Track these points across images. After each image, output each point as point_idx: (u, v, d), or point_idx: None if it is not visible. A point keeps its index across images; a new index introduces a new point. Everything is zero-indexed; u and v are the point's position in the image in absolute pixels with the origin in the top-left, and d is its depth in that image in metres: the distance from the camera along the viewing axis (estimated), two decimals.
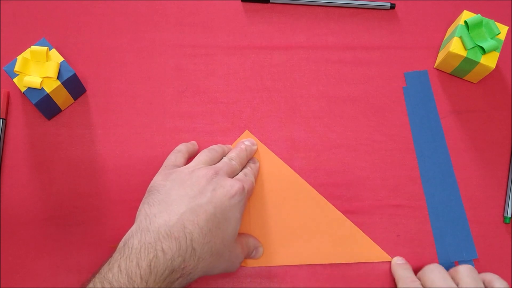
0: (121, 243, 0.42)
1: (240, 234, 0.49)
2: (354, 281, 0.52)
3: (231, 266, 0.47)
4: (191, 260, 0.42)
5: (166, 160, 0.50)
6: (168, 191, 0.45)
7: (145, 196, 0.46)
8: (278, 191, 0.54)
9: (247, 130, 0.56)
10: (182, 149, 0.52)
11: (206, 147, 0.55)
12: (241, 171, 0.51)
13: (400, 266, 0.52)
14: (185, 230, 0.42)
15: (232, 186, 0.45)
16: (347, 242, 0.53)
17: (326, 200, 0.54)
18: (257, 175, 0.53)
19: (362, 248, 0.51)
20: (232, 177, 0.48)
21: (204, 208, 0.43)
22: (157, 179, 0.47)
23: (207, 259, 0.43)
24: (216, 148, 0.52)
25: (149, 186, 0.47)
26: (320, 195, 0.54)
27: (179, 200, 0.43)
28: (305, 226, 0.53)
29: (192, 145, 0.54)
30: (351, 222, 0.53)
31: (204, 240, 0.42)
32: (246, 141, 0.54)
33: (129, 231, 0.43)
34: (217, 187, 0.45)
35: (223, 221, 0.44)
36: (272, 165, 0.55)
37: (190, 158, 0.52)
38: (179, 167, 0.48)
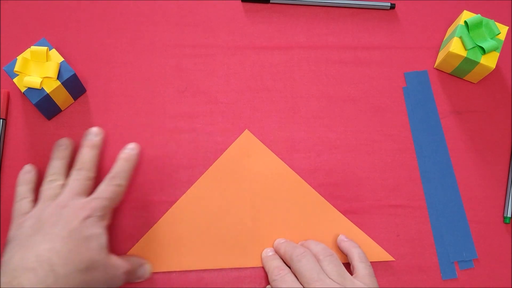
0: None
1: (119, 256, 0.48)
2: None
3: (112, 278, 0.45)
4: (58, 283, 0.40)
5: (14, 211, 0.48)
6: (22, 238, 0.43)
7: (4, 249, 0.44)
8: (278, 191, 0.54)
9: (246, 130, 0.56)
10: (24, 191, 0.50)
11: (206, 147, 0.55)
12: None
13: (268, 258, 0.51)
14: (42, 258, 0.40)
15: (81, 210, 0.44)
16: None
17: (325, 200, 0.54)
18: (131, 169, 0.51)
19: (363, 248, 0.51)
20: (87, 195, 0.47)
21: (57, 234, 0.42)
22: (10, 231, 0.46)
23: (77, 276, 0.41)
24: (55, 172, 0.50)
25: (6, 240, 0.46)
26: (319, 195, 0.54)
27: (33, 240, 0.42)
28: (305, 226, 0.53)
29: (28, 173, 0.51)
30: (351, 222, 0.53)
31: (66, 261, 0.41)
32: (127, 149, 0.52)
33: None
34: (67, 215, 0.44)
35: (82, 240, 0.43)
36: (272, 165, 0.55)
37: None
38: (28, 213, 0.47)
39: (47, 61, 0.52)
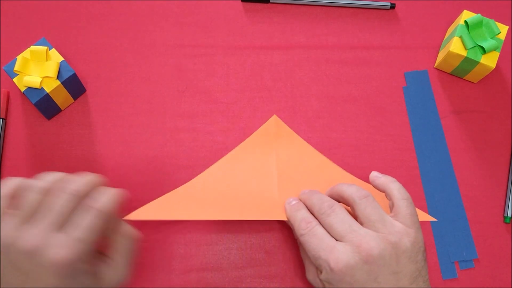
0: None
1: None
2: None
3: None
4: None
5: None
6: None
7: None
8: (306, 172, 0.53)
9: (275, 115, 0.56)
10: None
11: (206, 147, 0.55)
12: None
13: (293, 208, 0.46)
14: None
15: (54, 265, 0.35)
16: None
17: (356, 178, 0.53)
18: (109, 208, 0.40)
19: None
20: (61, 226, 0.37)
21: None
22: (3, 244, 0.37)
23: None
24: (30, 192, 0.38)
25: None
26: (351, 175, 0.54)
27: None
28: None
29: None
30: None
31: None
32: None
33: None
34: (39, 270, 0.36)
35: None
36: (300, 149, 0.54)
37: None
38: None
39: (47, 60, 0.52)
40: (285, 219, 0.48)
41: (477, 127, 0.58)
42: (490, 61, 0.55)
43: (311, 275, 0.47)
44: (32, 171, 0.54)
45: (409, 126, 0.58)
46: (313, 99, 0.58)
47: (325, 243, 0.42)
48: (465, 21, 0.56)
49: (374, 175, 0.48)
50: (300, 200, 0.48)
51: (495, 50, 0.55)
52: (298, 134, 0.57)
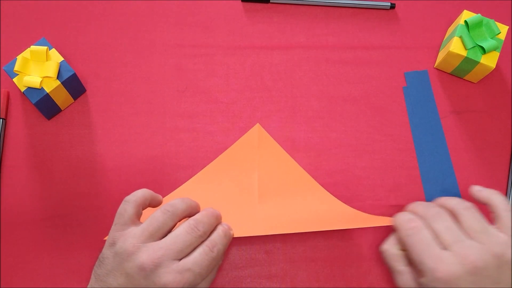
0: None
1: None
2: (355, 280, 0.52)
3: None
4: None
5: (117, 214, 0.44)
6: (108, 272, 0.42)
7: (97, 260, 0.44)
8: (285, 184, 0.53)
9: (258, 124, 0.56)
10: (138, 196, 0.45)
11: (206, 147, 0.55)
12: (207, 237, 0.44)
13: (399, 214, 0.48)
14: None
15: (169, 285, 0.40)
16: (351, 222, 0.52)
17: (334, 197, 0.53)
18: (226, 243, 0.45)
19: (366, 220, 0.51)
20: (182, 257, 0.42)
21: None
22: (105, 247, 0.43)
23: None
24: (170, 211, 0.44)
25: (106, 241, 0.44)
26: (327, 192, 0.54)
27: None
28: (312, 218, 0.52)
29: (153, 196, 0.47)
30: (363, 214, 0.53)
31: None
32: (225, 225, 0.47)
33: None
34: (148, 283, 0.40)
35: None
36: (281, 160, 0.55)
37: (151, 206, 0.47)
38: (129, 226, 0.43)
39: (47, 60, 0.52)
40: (266, 233, 0.49)
41: (477, 127, 0.58)
42: (490, 61, 0.55)
43: (405, 279, 0.46)
44: (32, 171, 0.54)
45: (409, 126, 0.58)
46: (313, 99, 0.58)
47: (432, 250, 0.43)
48: (465, 21, 0.56)
49: (476, 189, 0.48)
50: (409, 209, 0.49)
51: (495, 50, 0.55)
52: (298, 134, 0.57)
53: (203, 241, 0.44)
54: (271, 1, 0.61)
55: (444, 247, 0.43)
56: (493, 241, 0.43)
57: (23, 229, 0.52)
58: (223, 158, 0.55)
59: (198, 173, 0.54)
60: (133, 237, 0.42)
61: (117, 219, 0.44)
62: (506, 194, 0.55)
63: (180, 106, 0.57)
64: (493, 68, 0.55)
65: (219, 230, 0.45)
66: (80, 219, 0.53)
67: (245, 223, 0.50)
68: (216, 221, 0.46)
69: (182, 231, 0.43)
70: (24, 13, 0.59)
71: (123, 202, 0.45)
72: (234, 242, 0.52)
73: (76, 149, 0.55)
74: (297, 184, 0.54)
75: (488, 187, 0.55)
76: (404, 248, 0.47)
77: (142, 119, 0.56)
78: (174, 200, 0.46)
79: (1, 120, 0.55)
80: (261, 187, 0.53)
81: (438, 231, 0.44)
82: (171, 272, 0.40)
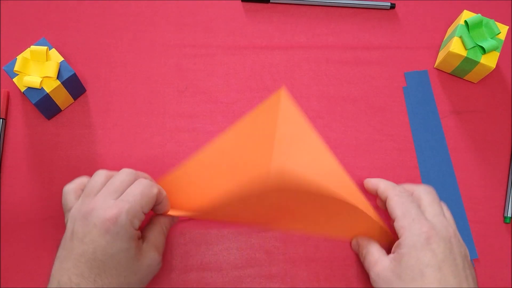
0: None
1: (149, 229, 0.48)
2: (355, 280, 0.52)
3: (146, 276, 0.46)
4: None
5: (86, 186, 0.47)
6: (63, 245, 0.44)
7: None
8: (301, 156, 0.51)
9: (284, 87, 0.53)
10: (75, 187, 0.48)
11: (206, 147, 0.55)
12: None
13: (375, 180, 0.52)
14: (72, 285, 0.41)
15: (104, 222, 0.42)
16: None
17: (351, 182, 0.52)
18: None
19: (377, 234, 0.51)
20: (120, 194, 0.45)
21: (84, 257, 0.42)
22: (71, 213, 0.46)
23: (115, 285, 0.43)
24: (99, 174, 0.47)
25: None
26: (346, 174, 0.52)
27: (66, 255, 0.43)
28: (326, 200, 0.50)
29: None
30: (367, 203, 0.51)
31: (95, 285, 0.42)
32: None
33: None
34: (92, 229, 0.42)
35: (109, 261, 0.42)
36: (301, 130, 0.52)
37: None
38: (70, 210, 0.46)
39: (47, 60, 0.52)
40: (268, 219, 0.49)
41: (477, 127, 0.58)
42: (490, 61, 0.55)
43: (375, 253, 0.48)
44: (32, 171, 0.54)
45: (409, 126, 0.58)
46: (313, 99, 0.58)
47: (421, 212, 0.47)
48: (465, 21, 0.56)
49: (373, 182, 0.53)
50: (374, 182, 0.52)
51: (495, 50, 0.55)
52: None
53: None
54: (271, 1, 0.61)
55: (430, 217, 0.46)
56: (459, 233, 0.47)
57: (23, 229, 0.52)
58: (241, 125, 0.53)
59: (215, 140, 0.52)
60: (74, 207, 0.46)
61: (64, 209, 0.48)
62: (506, 194, 0.55)
63: (180, 106, 0.57)
64: (493, 68, 0.55)
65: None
66: None
67: (252, 203, 0.49)
68: (134, 178, 0.47)
69: (112, 178, 0.46)
70: (24, 13, 0.59)
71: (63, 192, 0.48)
72: (234, 242, 0.53)
73: (76, 149, 0.55)
74: (318, 164, 0.52)
75: (488, 187, 0.56)
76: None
77: (142, 119, 0.56)
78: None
79: (1, 120, 0.55)
80: (276, 159, 0.51)
81: (426, 203, 0.48)
82: (106, 207, 0.43)
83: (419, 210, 0.47)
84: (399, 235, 0.46)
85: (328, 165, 0.51)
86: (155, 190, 0.46)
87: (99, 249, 0.42)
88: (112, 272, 0.42)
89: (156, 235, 0.48)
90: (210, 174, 0.51)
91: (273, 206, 0.49)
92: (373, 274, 0.47)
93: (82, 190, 0.47)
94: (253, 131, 0.52)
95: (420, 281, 0.43)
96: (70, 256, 0.43)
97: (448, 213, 0.49)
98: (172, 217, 0.50)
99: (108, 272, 0.42)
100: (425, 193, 0.49)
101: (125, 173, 0.47)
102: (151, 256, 0.46)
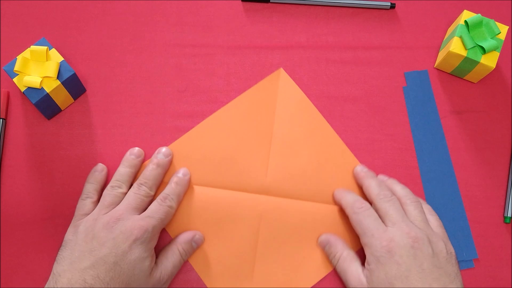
0: None
1: (168, 249, 0.50)
2: None
3: None
4: None
5: (75, 210, 0.50)
6: (73, 247, 0.46)
7: (58, 252, 0.47)
8: (301, 131, 0.55)
9: (281, 68, 0.57)
10: (90, 191, 0.51)
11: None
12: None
13: (344, 192, 0.52)
14: (86, 285, 0.43)
15: (132, 231, 0.46)
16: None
17: (349, 150, 0.55)
18: (182, 193, 0.52)
19: None
20: (141, 211, 0.49)
21: (104, 260, 0.44)
22: (67, 234, 0.48)
23: None
24: (120, 179, 0.51)
25: (63, 240, 0.48)
26: (344, 144, 0.56)
27: (82, 256, 0.45)
28: (325, 171, 0.54)
29: (99, 172, 0.53)
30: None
31: (108, 287, 0.44)
32: (179, 173, 0.52)
33: None
34: (118, 235, 0.46)
35: (126, 267, 0.45)
36: (301, 106, 0.55)
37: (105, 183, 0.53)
38: (88, 214, 0.49)
39: (47, 60, 0.52)
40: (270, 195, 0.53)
41: (477, 127, 0.58)
42: (490, 61, 0.55)
43: (354, 273, 0.48)
44: (32, 171, 0.54)
45: (409, 126, 0.58)
46: (313, 98, 0.58)
47: (379, 224, 0.48)
48: (465, 21, 0.56)
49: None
50: (357, 174, 0.54)
51: (495, 50, 0.55)
52: None
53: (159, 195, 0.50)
54: (271, 0, 0.61)
55: (390, 225, 0.47)
56: (431, 232, 0.48)
57: (23, 229, 0.52)
58: (239, 101, 0.55)
59: (211, 116, 0.55)
60: (92, 215, 0.48)
61: (77, 214, 0.50)
62: (506, 194, 0.55)
63: (180, 106, 0.57)
64: (493, 68, 0.55)
65: (172, 182, 0.51)
66: None
67: (253, 179, 0.53)
68: (163, 172, 0.52)
69: (131, 194, 0.49)
70: (24, 13, 0.59)
71: (81, 199, 0.51)
72: None
73: (76, 149, 0.55)
74: (316, 134, 0.55)
75: (488, 187, 0.56)
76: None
77: (142, 119, 0.56)
78: (116, 173, 0.52)
79: (1, 120, 0.55)
80: (276, 140, 0.54)
81: (387, 210, 0.48)
82: (133, 220, 0.47)
83: (377, 223, 0.48)
84: (365, 252, 0.48)
85: (328, 136, 0.55)
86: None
87: (120, 254, 0.45)
88: (124, 279, 0.44)
89: (170, 264, 0.49)
90: (214, 142, 0.54)
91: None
92: None
93: (98, 192, 0.51)
94: (253, 105, 0.54)
95: None
96: (85, 258, 0.44)
97: (420, 210, 0.49)
98: (191, 245, 0.51)
99: (121, 278, 0.44)
100: (400, 196, 0.51)
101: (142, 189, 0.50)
102: (161, 277, 0.47)
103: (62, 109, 0.56)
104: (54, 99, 0.53)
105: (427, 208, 0.51)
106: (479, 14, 0.56)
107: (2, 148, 0.54)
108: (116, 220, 0.46)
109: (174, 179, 0.52)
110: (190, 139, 0.54)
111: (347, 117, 0.57)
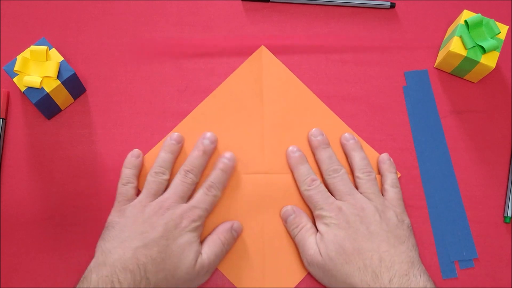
0: (81, 278, 0.45)
1: (209, 239, 0.50)
2: None
3: (196, 280, 0.48)
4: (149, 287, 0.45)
5: (117, 195, 0.51)
6: (122, 228, 0.47)
7: (102, 232, 0.49)
8: (292, 107, 0.56)
9: (263, 46, 0.58)
10: (129, 176, 0.51)
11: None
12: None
13: (297, 160, 0.54)
14: (139, 263, 0.45)
15: (181, 220, 0.48)
16: None
17: (341, 120, 0.57)
18: (227, 180, 0.52)
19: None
20: (187, 199, 0.50)
21: (156, 242, 0.46)
22: (113, 216, 0.49)
23: (165, 284, 0.46)
24: (163, 166, 0.51)
25: (106, 222, 0.49)
26: (335, 114, 0.57)
27: (133, 236, 0.46)
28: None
29: (136, 158, 0.53)
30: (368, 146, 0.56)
31: (158, 268, 0.45)
32: (224, 158, 0.52)
33: (88, 266, 0.46)
34: (168, 221, 0.47)
35: (176, 249, 0.46)
36: (287, 83, 0.57)
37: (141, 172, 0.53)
38: (131, 200, 0.50)
39: (47, 60, 0.52)
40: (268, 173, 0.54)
41: (477, 127, 0.58)
42: (490, 61, 0.55)
43: (312, 242, 0.50)
44: (32, 171, 0.54)
45: (409, 126, 0.58)
46: None
47: (328, 197, 0.51)
48: (465, 21, 0.56)
49: (383, 158, 0.55)
50: (314, 147, 0.55)
51: (495, 50, 0.55)
52: None
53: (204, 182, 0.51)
54: (271, 0, 0.61)
55: (338, 198, 0.51)
56: (381, 203, 0.50)
57: (23, 229, 0.52)
58: (225, 85, 0.56)
59: (201, 103, 0.56)
60: (139, 202, 0.49)
61: (120, 200, 0.50)
62: (506, 194, 0.55)
63: (180, 106, 0.57)
64: (493, 68, 0.55)
65: (217, 168, 0.51)
66: (80, 219, 0.53)
67: (251, 159, 0.54)
68: (208, 159, 0.52)
69: (178, 182, 0.50)
70: (24, 13, 0.59)
71: (122, 184, 0.51)
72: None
73: (76, 149, 0.55)
74: (308, 110, 0.56)
75: (488, 187, 0.56)
76: None
77: (142, 119, 0.56)
78: (159, 158, 0.52)
79: (1, 120, 0.55)
80: (268, 116, 0.55)
81: (335, 185, 0.51)
82: (181, 210, 0.48)
83: (326, 196, 0.51)
84: (316, 224, 0.51)
85: (316, 106, 0.57)
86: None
87: (172, 238, 0.46)
88: (173, 260, 0.46)
89: (213, 253, 0.49)
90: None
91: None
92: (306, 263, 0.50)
93: (137, 177, 0.52)
94: (240, 87, 0.57)
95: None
96: (136, 238, 0.46)
97: (373, 183, 0.52)
98: (232, 233, 0.51)
99: (171, 260, 0.46)
100: (354, 168, 0.53)
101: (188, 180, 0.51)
102: (204, 265, 0.48)
103: (62, 109, 0.56)
104: (54, 99, 0.53)
105: (390, 179, 0.53)
106: (479, 14, 0.56)
107: (2, 148, 0.54)
108: (166, 209, 0.48)
109: (220, 165, 0.52)
110: (182, 131, 0.55)
111: (347, 117, 0.57)
